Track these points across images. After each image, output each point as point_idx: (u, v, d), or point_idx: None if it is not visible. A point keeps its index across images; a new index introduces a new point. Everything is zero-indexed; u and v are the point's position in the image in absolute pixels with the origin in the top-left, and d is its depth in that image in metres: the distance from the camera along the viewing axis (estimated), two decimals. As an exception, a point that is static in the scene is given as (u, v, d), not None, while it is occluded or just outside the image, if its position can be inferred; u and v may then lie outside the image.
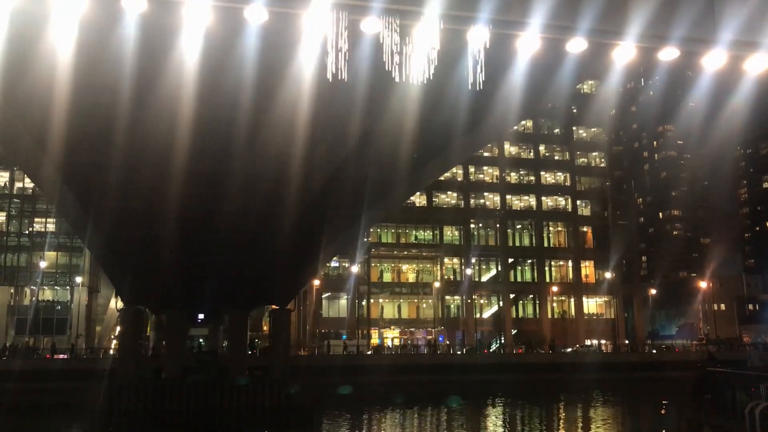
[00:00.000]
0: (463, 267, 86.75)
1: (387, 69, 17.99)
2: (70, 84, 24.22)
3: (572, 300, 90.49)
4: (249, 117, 27.78)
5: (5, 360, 55.15)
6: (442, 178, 76.75)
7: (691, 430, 19.63)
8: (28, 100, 26.37)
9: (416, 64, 18.06)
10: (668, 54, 19.58)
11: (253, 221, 37.32)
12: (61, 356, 59.64)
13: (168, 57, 22.36)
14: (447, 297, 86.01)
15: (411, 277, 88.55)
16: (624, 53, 19.47)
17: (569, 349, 77.60)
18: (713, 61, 19.66)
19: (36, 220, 78.55)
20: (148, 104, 26.61)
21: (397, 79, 18.16)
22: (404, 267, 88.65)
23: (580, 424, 43.24)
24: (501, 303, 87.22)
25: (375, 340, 78.81)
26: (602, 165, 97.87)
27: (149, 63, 23.69)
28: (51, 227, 77.53)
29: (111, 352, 63.31)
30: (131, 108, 26.84)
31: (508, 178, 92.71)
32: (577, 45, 19.24)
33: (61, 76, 23.49)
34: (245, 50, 21.35)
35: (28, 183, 73.14)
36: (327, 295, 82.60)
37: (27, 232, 78.19)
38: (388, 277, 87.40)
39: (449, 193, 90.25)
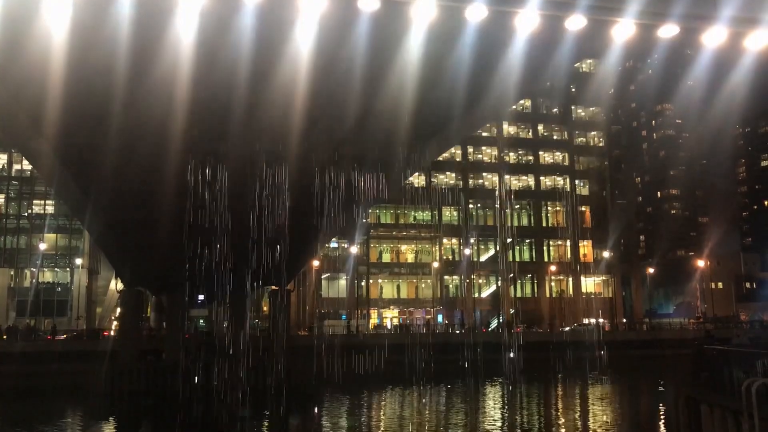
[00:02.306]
0: (461, 247, 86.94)
1: (385, 47, 17.88)
2: (64, 64, 24.05)
3: (570, 279, 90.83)
4: (246, 97, 27.65)
5: (6, 342, 55.31)
6: (440, 158, 76.68)
7: (688, 407, 19.76)
8: (23, 80, 26.21)
9: (414, 42, 17.95)
10: (668, 31, 19.44)
11: (252, 201, 37.27)
12: (62, 336, 59.89)
13: (163, 37, 22.18)
14: (446, 277, 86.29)
15: (410, 258, 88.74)
16: (623, 30, 19.33)
17: (567, 328, 78.00)
18: (713, 38, 19.52)
19: (35, 202, 78.47)
20: (143, 85, 26.47)
21: (394, 58, 18.06)
22: (403, 247, 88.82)
23: (578, 402, 43.60)
24: (499, 282, 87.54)
25: (374, 320, 79.18)
26: (601, 144, 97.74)
27: (144, 43, 23.49)
28: (50, 209, 77.49)
29: (112, 333, 63.57)
30: (127, 89, 26.70)
31: (507, 158, 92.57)
32: (576, 22, 19.09)
33: (56, 56, 23.32)
34: (241, 29, 21.17)
35: (27, 165, 72.96)
36: (326, 275, 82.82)
37: (26, 214, 78.12)
38: (387, 257, 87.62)
39: (448, 173, 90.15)
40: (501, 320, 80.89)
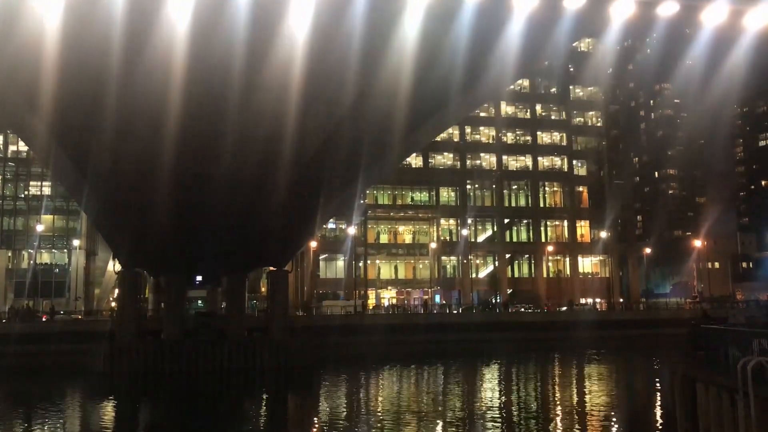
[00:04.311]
0: (459, 228, 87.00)
1: (382, 26, 17.73)
2: (59, 44, 23.87)
3: (567, 259, 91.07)
4: (242, 77, 27.47)
5: (5, 323, 55.45)
6: (438, 138, 76.30)
7: (684, 385, 19.90)
8: (17, 60, 26.01)
9: (412, 21, 17.79)
10: (667, 8, 19.32)
11: (249, 183, 37.23)
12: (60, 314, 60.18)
13: (158, 16, 22.00)
14: (443, 257, 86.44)
15: (407, 238, 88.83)
16: (622, 8, 19.20)
17: (564, 308, 78.33)
18: (713, 15, 19.40)
19: (31, 183, 78.34)
20: (138, 65, 26.29)
21: (392, 37, 17.91)
22: (401, 228, 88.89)
23: (575, 381, 43.92)
24: (497, 263, 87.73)
25: (372, 300, 79.42)
26: (599, 124, 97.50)
27: (139, 22, 23.30)
28: (47, 191, 77.32)
29: (110, 314, 63.71)
30: (122, 69, 26.52)
31: (505, 139, 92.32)
32: (575, 0, 18.95)
33: (50, 36, 23.13)
34: (237, 8, 20.99)
35: (23, 146, 72.62)
36: (324, 256, 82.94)
37: (23, 195, 77.97)
38: (384, 238, 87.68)
39: (445, 153, 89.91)
40: (497, 300, 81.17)
